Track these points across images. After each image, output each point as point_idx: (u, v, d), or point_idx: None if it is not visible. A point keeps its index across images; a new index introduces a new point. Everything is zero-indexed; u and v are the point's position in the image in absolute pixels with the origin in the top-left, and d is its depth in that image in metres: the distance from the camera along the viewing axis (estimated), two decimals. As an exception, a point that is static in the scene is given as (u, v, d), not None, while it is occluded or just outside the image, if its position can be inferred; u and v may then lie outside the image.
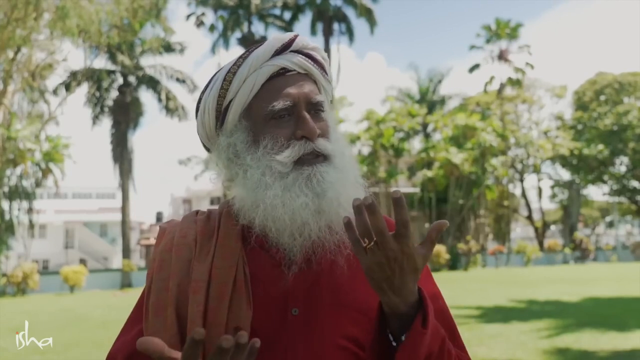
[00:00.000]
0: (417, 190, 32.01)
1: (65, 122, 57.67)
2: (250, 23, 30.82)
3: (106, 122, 31.55)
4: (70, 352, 7.63)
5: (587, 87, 37.43)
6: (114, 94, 28.01)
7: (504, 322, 8.84)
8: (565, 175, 38.91)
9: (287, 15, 31.44)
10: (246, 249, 0.99)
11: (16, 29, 17.27)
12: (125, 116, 27.62)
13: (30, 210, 23.94)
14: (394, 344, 0.85)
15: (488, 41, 34.14)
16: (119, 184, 28.08)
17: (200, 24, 30.93)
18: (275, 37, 1.02)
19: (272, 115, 0.97)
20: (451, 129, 30.82)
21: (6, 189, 22.23)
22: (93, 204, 47.36)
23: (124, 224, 27.19)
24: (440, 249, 26.20)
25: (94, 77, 26.72)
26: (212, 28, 31.12)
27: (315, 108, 1.00)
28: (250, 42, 29.50)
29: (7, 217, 21.92)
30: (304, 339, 0.92)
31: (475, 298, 12.71)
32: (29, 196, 23.62)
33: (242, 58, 1.00)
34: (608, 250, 34.88)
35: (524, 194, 38.69)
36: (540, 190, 39.08)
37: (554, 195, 40.12)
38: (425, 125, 35.14)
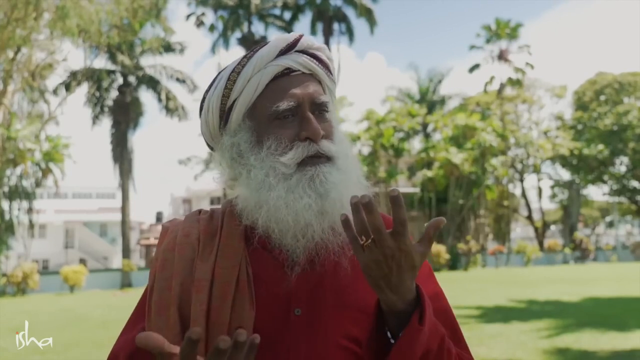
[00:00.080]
0: (417, 190, 31.99)
1: (65, 122, 57.84)
2: (250, 23, 30.80)
3: (106, 122, 31.66)
4: (70, 352, 7.62)
5: (587, 87, 37.43)
6: (114, 94, 28.01)
7: (504, 322, 8.84)
8: (565, 175, 38.97)
9: (287, 15, 31.45)
10: (249, 249, 0.98)
11: (16, 29, 17.26)
12: (125, 116, 27.62)
13: (30, 210, 23.93)
14: (392, 341, 0.85)
15: (488, 41, 34.13)
16: (119, 183, 28.08)
17: (200, 24, 30.93)
18: (280, 37, 1.02)
19: (276, 116, 0.97)
20: (451, 129, 30.81)
21: (6, 189, 22.22)
22: (93, 204, 47.39)
23: (124, 223, 27.19)
24: (440, 249, 26.20)
25: (94, 77, 26.72)
26: (212, 28, 31.12)
27: (320, 108, 0.99)
28: (250, 42, 29.51)
29: (7, 217, 21.91)
30: (306, 339, 0.92)
31: (475, 298, 12.70)
32: (29, 196, 23.61)
33: (246, 58, 1.00)
34: (608, 250, 34.87)
35: (524, 194, 38.69)
36: (540, 190, 39.06)
37: (554, 195, 40.11)
38: (425, 125, 35.13)
